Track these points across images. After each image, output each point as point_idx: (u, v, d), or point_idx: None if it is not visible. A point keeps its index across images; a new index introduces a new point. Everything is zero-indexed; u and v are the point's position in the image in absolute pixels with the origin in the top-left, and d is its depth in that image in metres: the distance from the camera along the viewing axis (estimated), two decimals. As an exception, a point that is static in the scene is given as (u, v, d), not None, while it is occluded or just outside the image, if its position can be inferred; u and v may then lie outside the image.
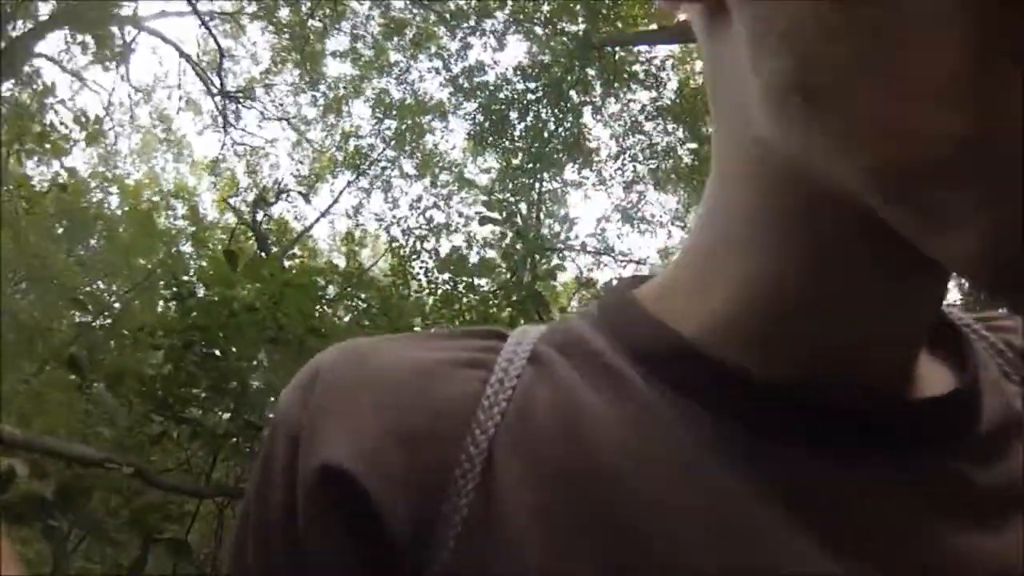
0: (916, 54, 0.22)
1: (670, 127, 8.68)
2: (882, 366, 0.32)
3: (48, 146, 4.82)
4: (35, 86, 6.23)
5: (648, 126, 8.94)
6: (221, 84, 8.25)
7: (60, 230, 5.60)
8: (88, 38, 7.00)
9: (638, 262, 9.16)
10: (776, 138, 0.28)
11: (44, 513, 2.55)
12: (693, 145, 8.38)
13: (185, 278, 5.15)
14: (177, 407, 4.17)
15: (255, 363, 4.56)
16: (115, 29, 7.42)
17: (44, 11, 6.40)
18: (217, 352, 4.38)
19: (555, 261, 8.00)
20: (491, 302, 6.83)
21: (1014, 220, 0.22)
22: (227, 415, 4.39)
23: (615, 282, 0.39)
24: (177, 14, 8.23)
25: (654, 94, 8.71)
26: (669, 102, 8.54)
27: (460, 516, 0.29)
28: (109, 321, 4.87)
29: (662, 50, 8.88)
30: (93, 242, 6.31)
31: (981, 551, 0.29)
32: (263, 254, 7.23)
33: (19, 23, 6.11)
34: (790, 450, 0.30)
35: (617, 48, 8.55)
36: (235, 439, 4.33)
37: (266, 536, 0.33)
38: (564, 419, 0.31)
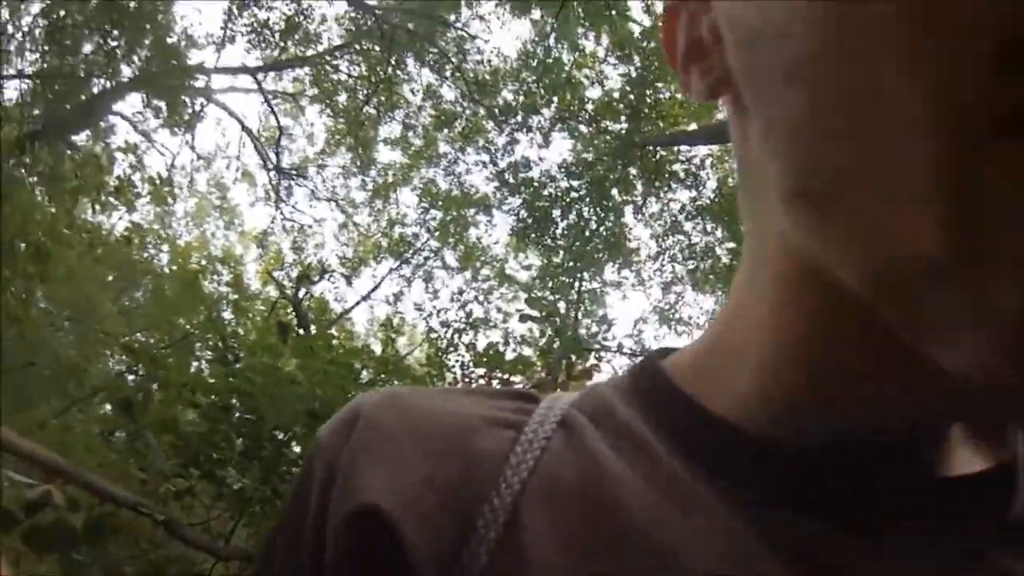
0: (900, 157, 0.22)
1: (709, 227, 8.76)
2: (912, 442, 0.31)
3: (117, 198, 4.98)
4: (107, 140, 6.57)
5: (687, 226, 9.04)
6: (277, 160, 8.60)
7: (110, 278, 5.67)
8: (162, 103, 7.41)
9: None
10: (792, 235, 0.29)
11: (69, 544, 2.49)
12: (731, 245, 8.42)
13: (231, 343, 5.19)
14: (208, 466, 4.10)
15: (290, 434, 4.49)
16: (187, 98, 7.87)
17: (126, 73, 6.85)
18: (254, 418, 4.34)
19: (591, 362, 7.89)
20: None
21: (1004, 338, 0.22)
22: (255, 481, 4.28)
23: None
24: (244, 90, 8.76)
25: (694, 193, 8.86)
26: (708, 201, 8.66)
27: (479, 565, 0.31)
28: (142, 373, 4.90)
29: (702, 149, 9.12)
30: (139, 295, 6.36)
31: None
32: (302, 330, 7.25)
33: (102, 81, 6.53)
34: (815, 524, 0.30)
35: (658, 148, 8.78)
36: (260, 506, 4.24)
37: (295, 559, 0.35)
38: (589, 483, 0.32)
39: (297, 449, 4.33)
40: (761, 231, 0.32)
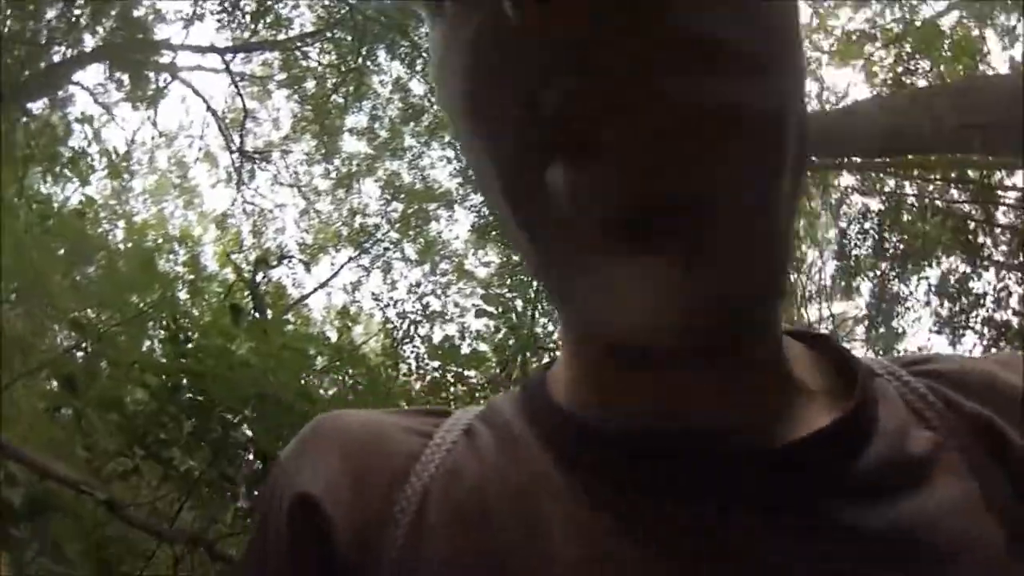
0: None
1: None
2: (726, 416, 0.36)
3: (71, 170, 4.88)
4: (65, 111, 6.42)
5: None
6: (241, 142, 8.47)
7: (61, 251, 5.55)
8: (125, 76, 7.25)
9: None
10: None
11: (6, 519, 2.51)
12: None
13: (183, 323, 5.12)
14: (155, 447, 4.07)
15: (240, 417, 4.47)
16: (151, 73, 7.70)
17: (89, 43, 6.68)
18: (203, 399, 4.32)
19: (546, 359, 7.97)
20: (478, 394, 6.82)
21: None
22: (202, 463, 4.25)
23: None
24: (211, 70, 8.57)
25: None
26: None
27: (396, 545, 0.37)
28: (90, 349, 4.81)
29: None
30: (91, 271, 6.24)
31: None
32: (258, 314, 7.19)
33: (65, 49, 6.37)
34: (664, 505, 0.35)
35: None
36: (207, 488, 4.22)
37: (264, 556, 0.41)
38: (481, 477, 0.39)
39: (248, 432, 4.33)
40: None
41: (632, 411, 0.37)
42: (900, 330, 6.11)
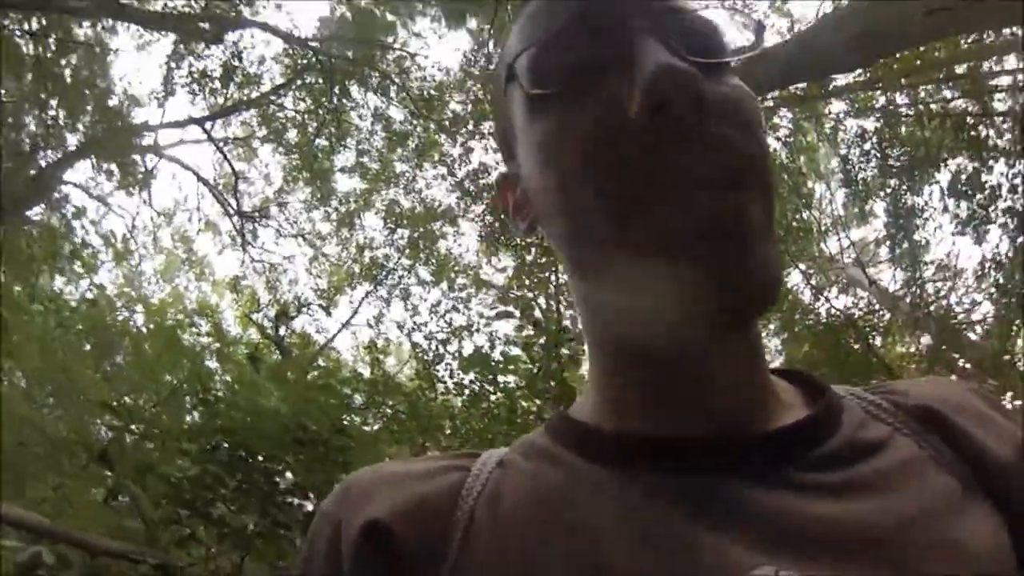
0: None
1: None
2: (720, 415, 0.45)
3: (79, 263, 4.99)
4: (63, 210, 6.58)
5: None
6: (237, 205, 8.62)
7: (87, 347, 5.67)
8: (113, 166, 7.43)
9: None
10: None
11: None
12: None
13: (211, 384, 5.19)
14: (203, 507, 4.10)
15: (282, 466, 4.50)
16: (137, 157, 7.90)
17: (72, 141, 6.87)
18: (243, 454, 4.35)
19: (577, 350, 7.86)
20: (517, 395, 6.77)
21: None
22: (254, 515, 4.28)
23: None
24: (194, 141, 8.76)
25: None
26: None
27: (452, 555, 0.43)
28: (138, 430, 4.87)
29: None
30: (119, 359, 6.37)
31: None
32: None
33: (48, 153, 6.55)
34: (655, 480, 0.43)
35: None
36: (261, 539, 4.24)
37: None
38: (520, 493, 0.45)
39: (290, 477, 4.36)
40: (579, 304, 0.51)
41: (649, 407, 0.46)
42: (923, 242, 5.94)
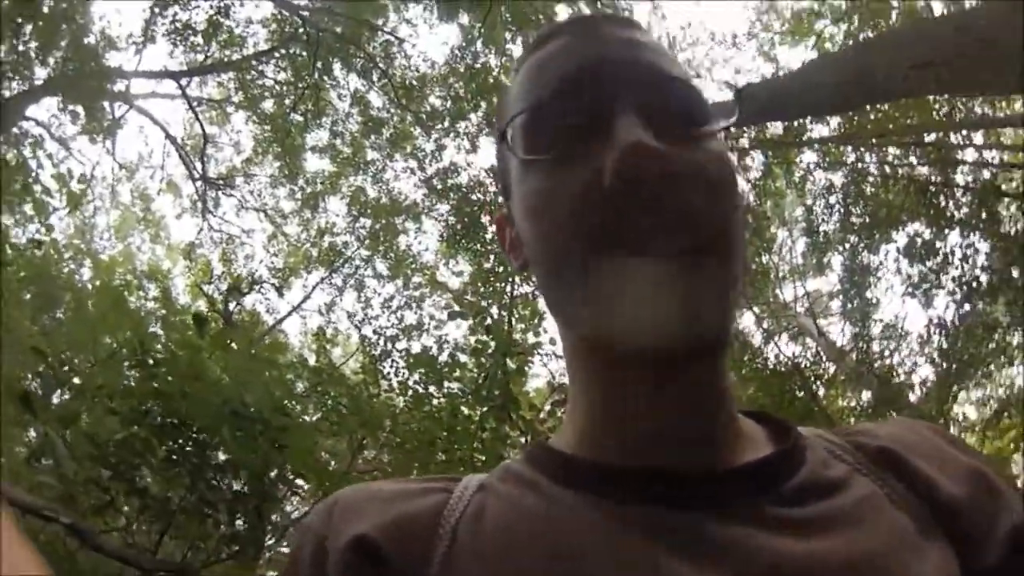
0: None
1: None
2: (688, 449, 0.48)
3: (30, 204, 4.71)
4: (21, 147, 6.21)
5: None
6: (203, 169, 8.36)
7: (28, 296, 5.36)
8: (79, 108, 7.10)
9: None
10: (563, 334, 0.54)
11: None
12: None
13: (150, 345, 4.95)
14: (127, 473, 3.91)
15: (216, 440, 4.33)
16: (106, 104, 7.57)
17: (40, 75, 6.54)
18: (176, 421, 4.17)
19: (524, 363, 7.86)
20: (460, 401, 6.77)
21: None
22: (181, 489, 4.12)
23: None
24: (167, 96, 8.48)
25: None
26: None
27: (435, 572, 0.45)
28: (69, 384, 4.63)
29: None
30: (60, 314, 6.04)
31: None
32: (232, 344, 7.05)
33: (15, 84, 6.21)
34: (628, 509, 0.45)
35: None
36: (184, 515, 4.07)
37: None
38: (500, 515, 0.48)
39: (223, 456, 4.20)
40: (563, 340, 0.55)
41: (624, 439, 0.49)
42: (874, 300, 6.16)
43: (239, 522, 4.39)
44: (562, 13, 10.54)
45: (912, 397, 5.80)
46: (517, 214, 0.53)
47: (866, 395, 5.87)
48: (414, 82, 9.13)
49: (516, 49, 9.86)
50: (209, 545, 4.34)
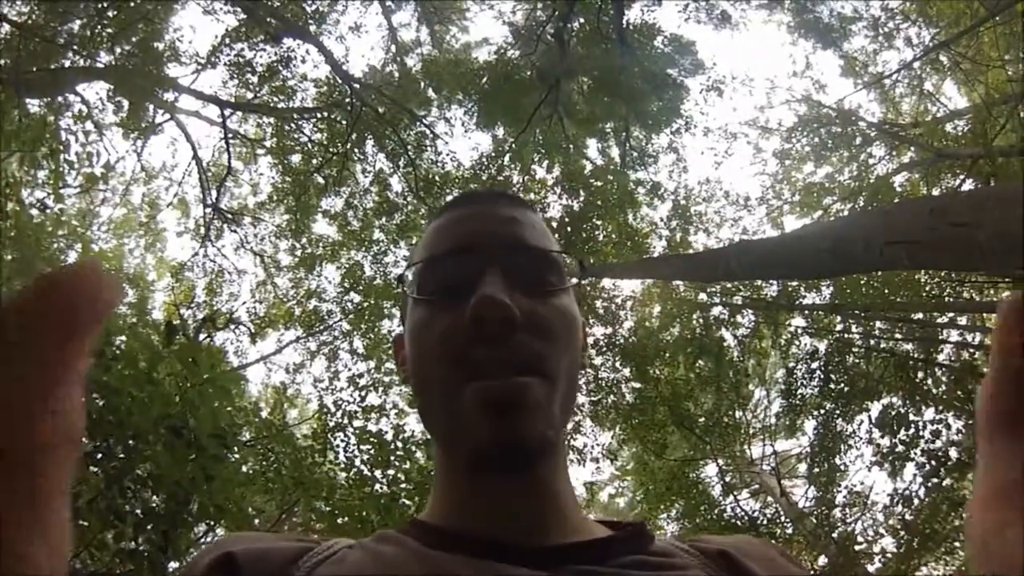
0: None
1: (619, 364, 8.94)
2: (527, 526, 0.60)
3: (47, 170, 4.74)
4: (60, 116, 6.31)
5: (598, 360, 9.19)
6: (217, 198, 8.45)
7: (8, 257, 5.24)
8: (125, 102, 7.29)
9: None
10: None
11: None
12: (638, 384, 8.59)
13: (115, 344, 4.83)
14: None
15: (146, 450, 4.14)
16: (150, 107, 7.78)
17: (103, 59, 6.74)
18: (111, 419, 4.00)
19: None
20: (400, 492, 6.57)
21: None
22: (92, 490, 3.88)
23: None
24: (208, 120, 8.71)
25: (610, 330, 9.10)
26: (623, 340, 8.91)
27: None
28: None
29: (625, 290, 9.48)
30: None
31: None
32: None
33: (78, 58, 6.43)
34: (472, 562, 0.55)
35: (585, 282, 9.11)
36: (93, 518, 3.81)
37: None
38: (359, 561, 0.58)
39: (146, 468, 3.98)
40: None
41: (472, 515, 0.60)
42: (842, 466, 6.09)
43: (141, 540, 4.08)
44: (591, 146, 11.15)
45: (870, 567, 5.58)
46: (407, 339, 0.67)
47: (822, 559, 5.65)
48: (437, 177, 9.46)
49: (540, 171, 10.37)
50: (103, 557, 4.02)
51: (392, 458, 7.03)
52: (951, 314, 5.79)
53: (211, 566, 0.54)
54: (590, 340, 9.78)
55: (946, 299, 5.42)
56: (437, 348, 0.60)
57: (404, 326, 0.70)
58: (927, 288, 5.43)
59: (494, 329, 0.57)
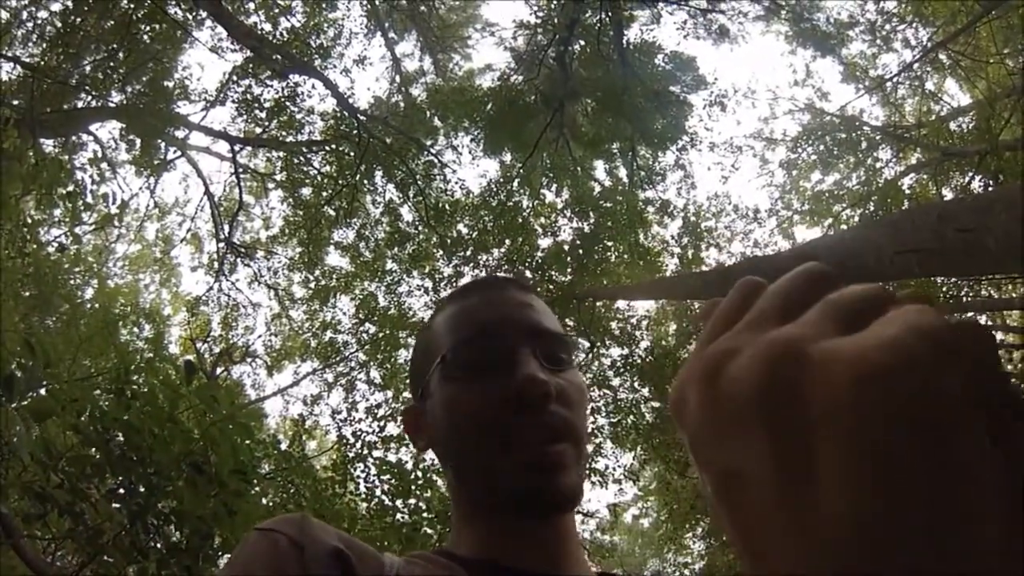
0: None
1: (637, 384, 8.88)
2: (554, 559, 0.72)
3: (64, 209, 4.82)
4: (74, 155, 6.45)
5: (615, 381, 9.13)
6: (229, 233, 8.52)
7: (26, 293, 5.31)
8: (137, 140, 7.41)
9: (585, 514, 8.64)
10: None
11: None
12: (656, 404, 8.52)
13: (132, 377, 4.87)
14: (70, 494, 3.70)
15: (168, 486, 4.15)
16: (161, 144, 7.90)
17: (115, 99, 6.87)
18: (134, 457, 4.02)
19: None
20: (422, 522, 6.55)
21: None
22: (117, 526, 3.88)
23: None
24: (218, 156, 8.84)
25: (626, 351, 9.05)
26: (640, 360, 8.85)
27: None
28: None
29: (640, 310, 9.44)
30: (50, 322, 5.94)
31: None
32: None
33: (89, 98, 6.58)
34: None
35: (597, 302, 9.08)
36: (115, 552, 3.81)
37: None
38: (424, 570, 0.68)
39: (169, 504, 3.99)
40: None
41: (513, 552, 0.71)
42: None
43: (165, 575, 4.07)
44: (598, 167, 11.16)
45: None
46: (437, 409, 0.75)
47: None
48: (447, 206, 9.50)
49: (549, 195, 10.40)
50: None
51: (413, 487, 7.03)
52: (971, 313, 5.71)
53: (329, 557, 0.60)
54: (607, 361, 9.80)
55: (963, 300, 5.35)
56: (478, 415, 0.70)
57: (422, 399, 0.79)
58: (944, 290, 5.35)
59: (535, 402, 0.69)
